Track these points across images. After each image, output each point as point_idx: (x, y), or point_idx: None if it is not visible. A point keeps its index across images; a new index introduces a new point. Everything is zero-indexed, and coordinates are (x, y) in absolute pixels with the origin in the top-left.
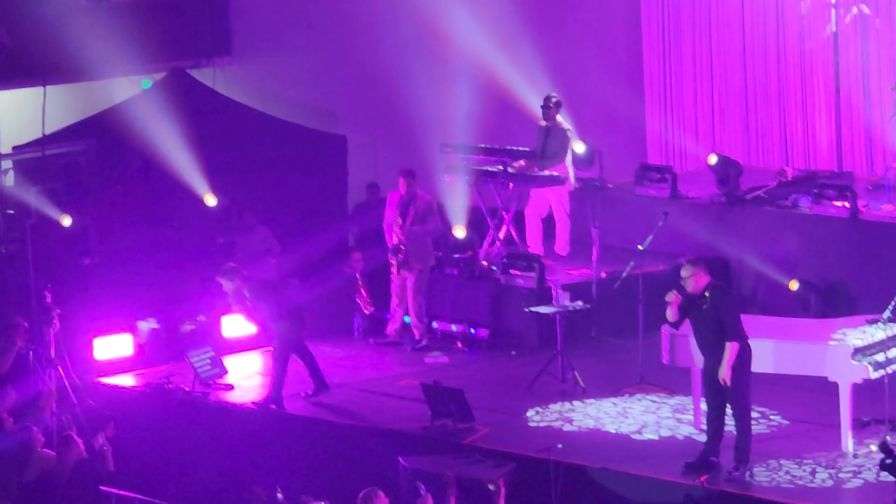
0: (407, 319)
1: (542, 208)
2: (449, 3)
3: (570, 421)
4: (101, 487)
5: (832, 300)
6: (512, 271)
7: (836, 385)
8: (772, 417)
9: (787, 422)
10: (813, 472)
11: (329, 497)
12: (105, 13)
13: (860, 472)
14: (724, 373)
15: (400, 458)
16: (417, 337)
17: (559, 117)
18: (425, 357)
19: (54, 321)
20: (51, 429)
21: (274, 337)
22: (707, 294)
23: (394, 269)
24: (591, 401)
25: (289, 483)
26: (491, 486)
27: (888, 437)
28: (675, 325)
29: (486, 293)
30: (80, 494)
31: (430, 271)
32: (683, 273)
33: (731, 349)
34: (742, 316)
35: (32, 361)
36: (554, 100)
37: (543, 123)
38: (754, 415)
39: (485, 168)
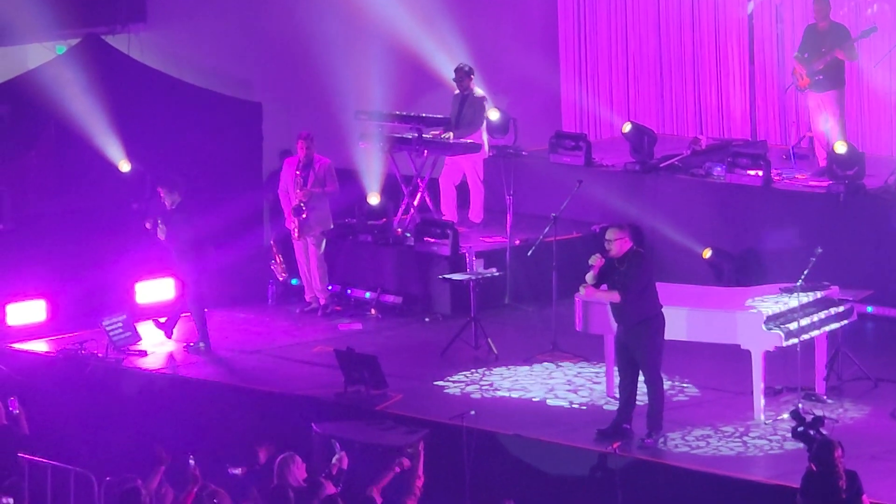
0: None
1: (456, 176)
2: None
3: (484, 388)
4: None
5: (745, 268)
6: (426, 238)
7: (748, 353)
8: (685, 385)
9: (699, 390)
10: (725, 440)
11: (243, 463)
12: None
13: (773, 440)
14: (590, 278)
15: (313, 425)
16: (324, 303)
17: (475, 86)
18: (339, 324)
19: None
20: None
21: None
22: (627, 259)
23: (294, 236)
24: (505, 368)
25: (202, 450)
26: (409, 451)
27: (800, 405)
28: (595, 287)
29: (400, 260)
30: (2, 461)
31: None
32: (609, 236)
33: (609, 295)
34: (656, 284)
35: None
36: (465, 68)
37: (458, 92)
38: (667, 383)
39: (399, 135)
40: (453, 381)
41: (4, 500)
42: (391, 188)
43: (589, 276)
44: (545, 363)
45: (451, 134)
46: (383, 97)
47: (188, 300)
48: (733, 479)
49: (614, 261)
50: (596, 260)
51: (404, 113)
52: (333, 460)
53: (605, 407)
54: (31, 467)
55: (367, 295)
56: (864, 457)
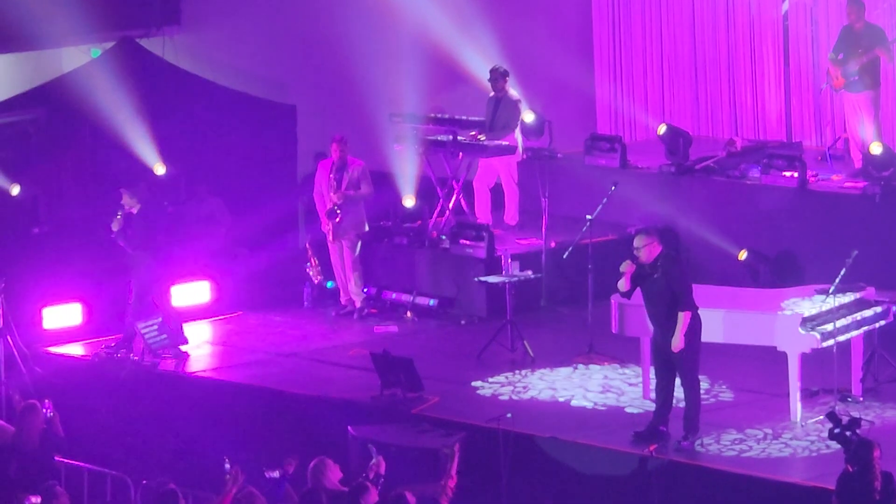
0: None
1: (490, 178)
2: None
3: (520, 390)
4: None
5: (781, 270)
6: (461, 241)
7: (784, 355)
8: (721, 387)
9: (735, 392)
10: (762, 442)
11: (279, 466)
12: None
13: (809, 442)
14: (678, 342)
15: (349, 428)
16: (359, 305)
17: (510, 88)
18: (374, 327)
19: (1, 290)
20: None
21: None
22: (659, 264)
23: (329, 238)
24: (541, 370)
25: (238, 453)
26: (445, 451)
27: (836, 407)
28: (627, 294)
29: (435, 263)
30: (41, 464)
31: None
32: (637, 243)
33: (683, 319)
34: (692, 286)
35: None
36: (500, 70)
37: (493, 94)
38: (703, 385)
39: (434, 137)
40: (489, 384)
41: (33, 500)
42: (426, 191)
43: (620, 284)
44: (582, 365)
45: (484, 137)
46: (418, 99)
47: (133, 307)
48: (770, 482)
49: (645, 266)
50: (627, 267)
51: (439, 115)
52: (371, 464)
53: (641, 409)
54: (67, 470)
55: (403, 297)
56: None
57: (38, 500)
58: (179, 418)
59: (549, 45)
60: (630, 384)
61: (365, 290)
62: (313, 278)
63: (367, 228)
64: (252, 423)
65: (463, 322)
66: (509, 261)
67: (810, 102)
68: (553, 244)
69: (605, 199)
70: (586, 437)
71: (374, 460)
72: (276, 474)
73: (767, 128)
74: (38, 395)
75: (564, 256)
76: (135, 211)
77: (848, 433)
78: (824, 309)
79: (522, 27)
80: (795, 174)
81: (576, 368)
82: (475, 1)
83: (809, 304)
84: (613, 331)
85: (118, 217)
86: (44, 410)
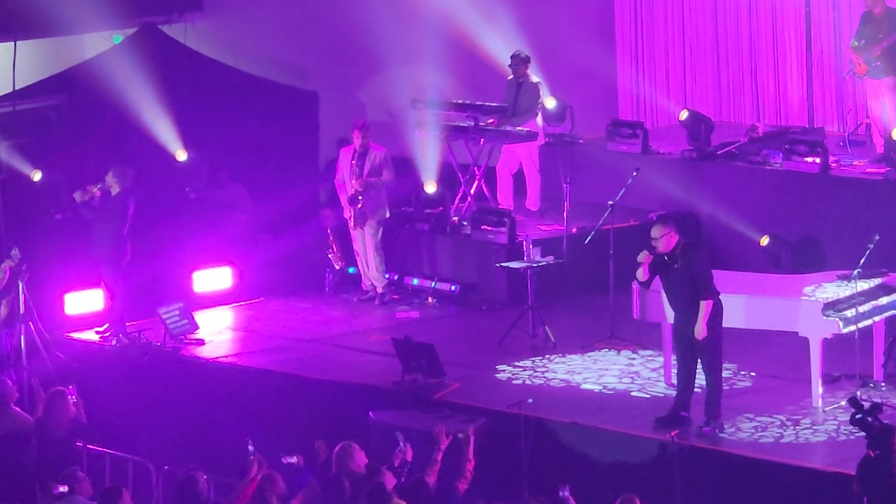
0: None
1: (513, 164)
2: None
3: (541, 376)
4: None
5: (803, 256)
6: (483, 227)
7: (806, 340)
8: (742, 373)
9: (757, 377)
10: (783, 427)
11: (299, 451)
12: None
13: (830, 427)
14: (700, 330)
15: (371, 413)
16: (381, 291)
17: (530, 73)
18: (396, 312)
19: (23, 276)
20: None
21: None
22: (678, 253)
23: (350, 225)
24: (562, 356)
25: (259, 438)
26: (460, 435)
27: (858, 392)
28: (646, 284)
29: (456, 249)
30: (63, 450)
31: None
32: (654, 233)
33: (705, 307)
34: (713, 271)
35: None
36: (522, 55)
37: (511, 78)
38: (726, 372)
39: (456, 123)
40: (511, 370)
41: (61, 489)
42: (448, 177)
43: (639, 274)
44: (603, 350)
45: (506, 123)
46: (439, 85)
47: (110, 288)
48: (791, 467)
49: (663, 255)
50: (644, 257)
51: (461, 101)
52: (397, 451)
53: (663, 395)
54: (89, 456)
55: (425, 283)
56: None
57: (66, 489)
58: (201, 404)
59: (571, 31)
60: (652, 370)
61: (387, 275)
62: (335, 264)
63: (388, 214)
64: (274, 409)
65: (484, 308)
66: (531, 246)
67: (832, 88)
68: (575, 230)
69: (626, 185)
70: (607, 422)
71: (400, 447)
72: (293, 460)
73: (789, 113)
74: (61, 381)
75: (586, 242)
76: (112, 192)
77: (869, 418)
78: (846, 294)
79: (544, 12)
80: (817, 160)
81: (597, 353)
82: None
83: (831, 290)
84: (635, 316)
85: (92, 190)
86: (69, 397)
